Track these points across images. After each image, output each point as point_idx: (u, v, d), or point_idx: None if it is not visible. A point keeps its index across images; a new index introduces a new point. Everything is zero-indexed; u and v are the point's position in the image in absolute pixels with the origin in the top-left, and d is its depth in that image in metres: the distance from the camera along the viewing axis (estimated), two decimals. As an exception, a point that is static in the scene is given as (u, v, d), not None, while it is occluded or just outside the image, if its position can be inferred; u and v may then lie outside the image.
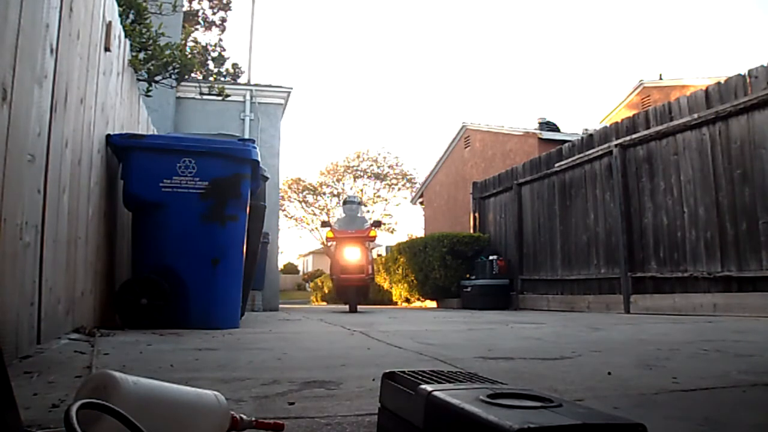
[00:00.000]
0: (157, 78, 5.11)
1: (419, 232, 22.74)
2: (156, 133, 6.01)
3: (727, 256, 5.27)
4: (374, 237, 8.00)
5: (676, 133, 5.94)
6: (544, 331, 3.68)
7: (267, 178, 5.39)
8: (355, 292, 7.73)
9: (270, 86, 10.36)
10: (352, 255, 7.68)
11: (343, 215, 8.30)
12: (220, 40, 31.02)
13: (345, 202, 8.66)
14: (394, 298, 12.97)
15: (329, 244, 9.72)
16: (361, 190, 31.52)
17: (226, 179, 3.77)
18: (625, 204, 6.55)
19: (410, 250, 11.53)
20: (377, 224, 8.38)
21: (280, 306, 10.14)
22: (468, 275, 9.50)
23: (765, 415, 1.27)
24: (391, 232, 33.20)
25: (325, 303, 19.83)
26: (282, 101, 10.39)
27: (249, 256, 4.16)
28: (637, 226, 6.40)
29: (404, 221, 44.98)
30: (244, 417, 0.97)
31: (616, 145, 6.69)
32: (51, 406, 1.24)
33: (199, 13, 20.90)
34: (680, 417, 1.22)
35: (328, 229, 8.19)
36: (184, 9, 15.16)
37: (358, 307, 7.94)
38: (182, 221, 3.68)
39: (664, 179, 6.10)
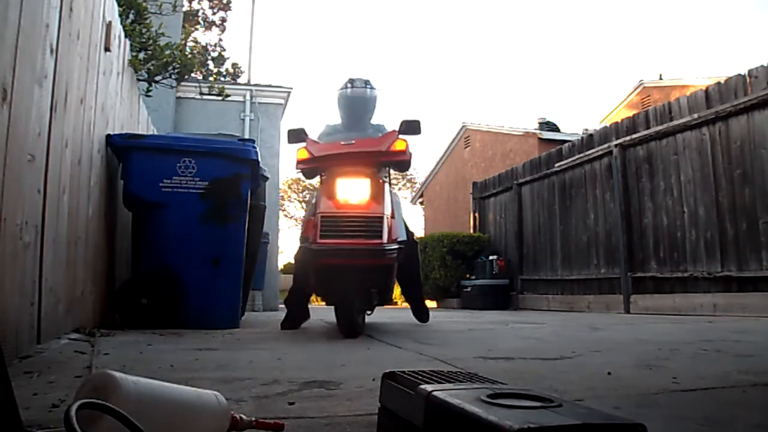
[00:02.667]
0: (157, 78, 5.11)
1: (419, 232, 22.75)
2: (156, 133, 6.01)
3: (727, 256, 5.27)
4: (403, 155, 3.57)
5: (676, 133, 5.94)
6: (544, 331, 3.68)
7: (267, 178, 5.39)
8: (361, 286, 3.25)
9: (270, 86, 10.36)
10: (350, 193, 3.32)
11: (338, 123, 3.96)
12: (220, 40, 31.00)
13: (346, 87, 3.96)
14: (394, 298, 12.97)
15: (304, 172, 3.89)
16: None
17: (226, 179, 3.77)
18: (625, 204, 6.55)
19: (410, 250, 11.52)
20: (410, 128, 3.63)
21: (280, 306, 10.14)
22: (468, 275, 9.50)
23: (765, 415, 1.27)
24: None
25: (324, 303, 19.79)
26: (282, 101, 10.40)
27: (249, 256, 4.16)
28: (637, 226, 6.40)
29: (404, 221, 44.90)
30: (244, 417, 0.97)
31: (616, 145, 6.69)
32: (51, 406, 1.24)
33: (199, 13, 20.90)
34: (680, 417, 1.22)
35: (302, 144, 3.67)
36: (184, 9, 15.16)
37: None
38: (182, 221, 3.67)
39: (664, 179, 6.09)
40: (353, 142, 3.57)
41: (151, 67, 4.98)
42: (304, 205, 32.90)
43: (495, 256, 9.09)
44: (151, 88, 5.18)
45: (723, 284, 5.28)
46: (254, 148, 3.94)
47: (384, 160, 3.60)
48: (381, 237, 3.15)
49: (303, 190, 32.53)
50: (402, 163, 3.69)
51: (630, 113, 8.25)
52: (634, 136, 6.47)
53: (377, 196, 3.33)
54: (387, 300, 3.77)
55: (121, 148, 3.71)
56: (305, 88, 46.30)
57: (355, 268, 3.18)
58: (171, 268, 3.64)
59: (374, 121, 4.01)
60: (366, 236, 3.16)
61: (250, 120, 9.88)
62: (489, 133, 15.16)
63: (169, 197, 3.69)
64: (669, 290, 5.90)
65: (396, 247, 3.23)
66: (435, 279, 10.06)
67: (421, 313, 4.27)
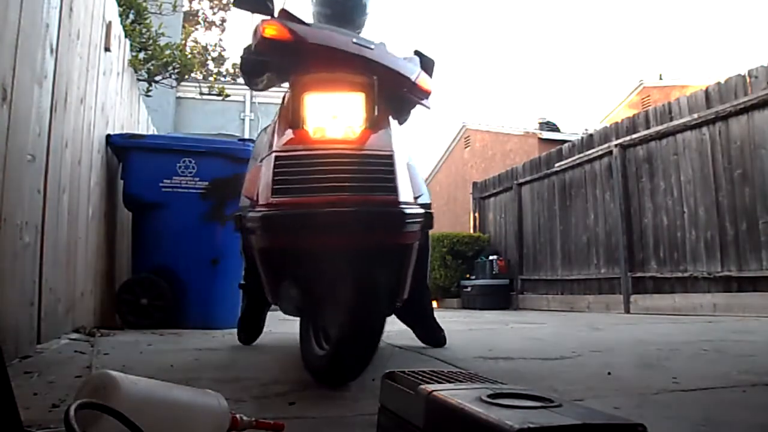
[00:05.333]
0: (157, 78, 5.12)
1: (419, 232, 22.65)
2: (156, 133, 6.01)
3: (727, 256, 5.27)
4: (427, 98, 2.16)
5: (676, 133, 5.94)
6: (544, 331, 3.68)
7: (267, 178, 5.38)
8: (361, 287, 1.51)
9: (270, 86, 10.36)
10: (331, 117, 1.68)
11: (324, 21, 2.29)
12: (220, 40, 30.98)
13: None
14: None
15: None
16: None
17: (226, 179, 3.77)
18: (625, 204, 6.54)
19: (410, 250, 11.50)
20: (425, 66, 2.24)
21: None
22: (468, 275, 9.50)
23: (765, 415, 1.27)
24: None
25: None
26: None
27: (249, 256, 4.17)
28: (637, 226, 6.40)
29: (404, 221, 44.81)
30: (244, 417, 0.97)
31: (616, 145, 6.69)
32: (51, 406, 1.24)
33: (199, 13, 20.90)
34: (680, 417, 1.22)
35: (270, 18, 1.89)
36: (184, 9, 15.16)
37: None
38: (182, 221, 3.68)
39: (664, 179, 6.09)
40: (373, 48, 2.05)
41: (151, 67, 4.98)
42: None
43: (495, 256, 9.09)
44: (151, 88, 5.18)
45: (723, 284, 5.28)
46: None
47: (408, 95, 2.15)
48: (395, 190, 1.57)
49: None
50: (408, 107, 2.30)
51: (630, 113, 8.25)
52: (634, 136, 6.46)
53: (379, 124, 1.75)
54: (392, 308, 2.15)
55: (121, 148, 3.71)
56: (305, 88, 46.25)
57: (349, 254, 1.56)
58: (171, 268, 3.64)
59: (365, 35, 2.46)
60: (365, 189, 1.57)
61: (250, 120, 9.89)
62: (489, 133, 15.15)
63: (169, 197, 3.70)
64: (669, 290, 5.90)
65: (421, 211, 1.64)
66: (435, 279, 10.06)
67: (435, 333, 2.70)
